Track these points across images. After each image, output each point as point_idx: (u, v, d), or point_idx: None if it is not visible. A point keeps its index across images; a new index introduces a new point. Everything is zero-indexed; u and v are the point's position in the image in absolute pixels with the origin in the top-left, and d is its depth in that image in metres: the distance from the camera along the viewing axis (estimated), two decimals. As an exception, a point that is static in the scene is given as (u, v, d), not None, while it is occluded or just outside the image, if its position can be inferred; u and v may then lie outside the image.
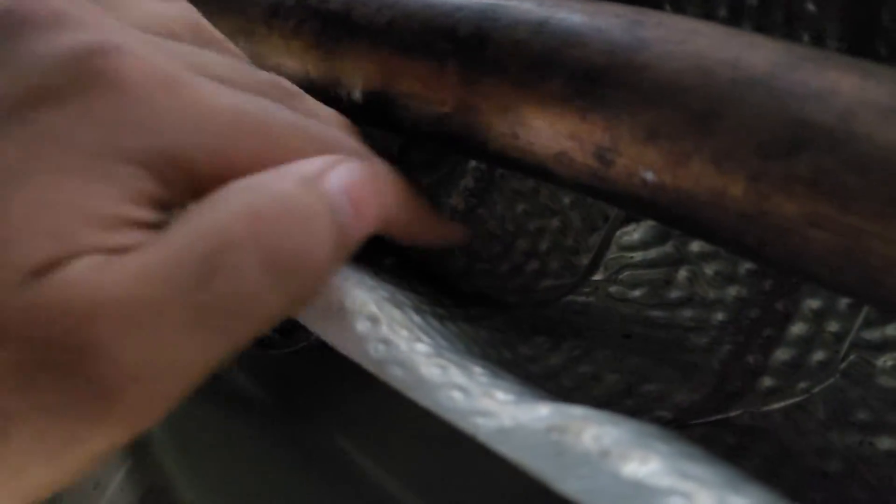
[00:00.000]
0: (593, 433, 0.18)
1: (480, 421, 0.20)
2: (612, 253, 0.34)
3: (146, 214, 0.20)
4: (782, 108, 0.21)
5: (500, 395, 0.21)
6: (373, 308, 0.24)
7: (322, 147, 0.24)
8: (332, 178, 0.22)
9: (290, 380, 0.39)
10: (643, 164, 0.23)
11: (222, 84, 0.23)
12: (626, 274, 0.34)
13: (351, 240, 0.23)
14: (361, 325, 0.23)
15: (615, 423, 0.19)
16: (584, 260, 0.34)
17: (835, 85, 0.21)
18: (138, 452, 0.37)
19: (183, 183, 0.21)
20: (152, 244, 0.19)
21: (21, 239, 0.18)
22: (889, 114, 0.20)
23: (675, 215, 0.23)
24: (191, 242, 0.19)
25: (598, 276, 0.34)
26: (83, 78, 0.20)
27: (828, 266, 0.21)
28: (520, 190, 0.37)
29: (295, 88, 0.28)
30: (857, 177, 0.20)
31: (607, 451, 0.18)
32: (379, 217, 0.24)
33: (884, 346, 0.28)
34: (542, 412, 0.20)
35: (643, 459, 0.18)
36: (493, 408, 0.20)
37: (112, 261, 0.18)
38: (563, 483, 0.18)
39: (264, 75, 0.27)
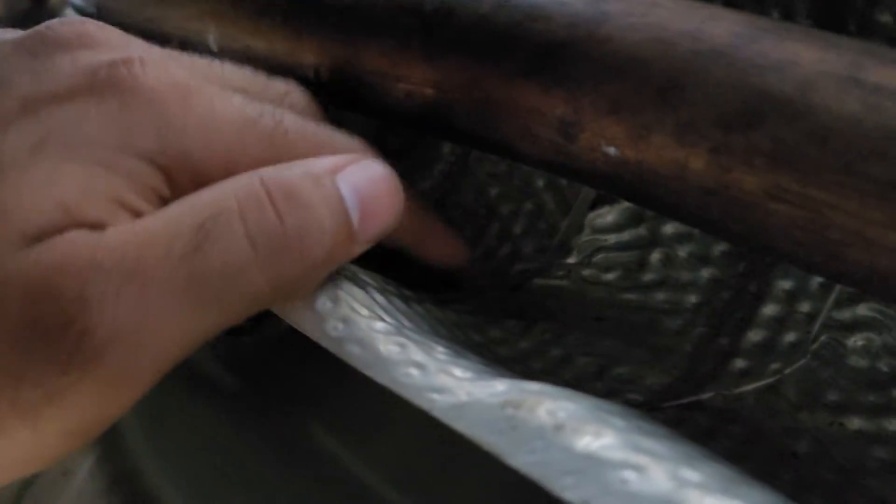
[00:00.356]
0: (548, 407, 0.18)
1: (436, 397, 0.19)
2: (585, 235, 0.34)
3: (148, 207, 0.21)
4: (743, 80, 0.21)
5: (458, 372, 0.20)
6: (334, 287, 0.23)
7: (332, 153, 0.23)
8: (343, 176, 0.22)
9: (263, 367, 0.38)
10: (605, 139, 0.22)
11: (236, 93, 0.24)
12: (599, 257, 0.33)
13: (355, 239, 0.22)
14: (321, 305, 0.23)
15: (571, 399, 0.19)
16: (557, 243, 0.34)
17: (795, 56, 0.20)
18: (108, 440, 0.36)
19: (189, 184, 0.21)
20: (151, 215, 0.20)
21: (26, 207, 0.19)
22: (848, 85, 0.20)
23: (638, 190, 0.23)
24: (187, 211, 0.20)
25: (571, 259, 0.34)
26: (100, 82, 0.21)
27: (790, 239, 0.21)
28: (493, 173, 0.37)
29: (308, 96, 0.28)
30: (817, 148, 0.19)
31: (561, 425, 0.18)
32: (388, 221, 0.24)
33: (854, 327, 0.28)
34: (498, 388, 0.19)
35: (597, 433, 0.17)
36: (449, 384, 0.20)
37: (110, 229, 0.19)
38: (516, 457, 0.17)
39: (279, 85, 0.28)
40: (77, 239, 0.19)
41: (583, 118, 0.23)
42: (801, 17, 0.29)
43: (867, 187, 0.19)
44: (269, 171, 0.21)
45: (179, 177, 0.21)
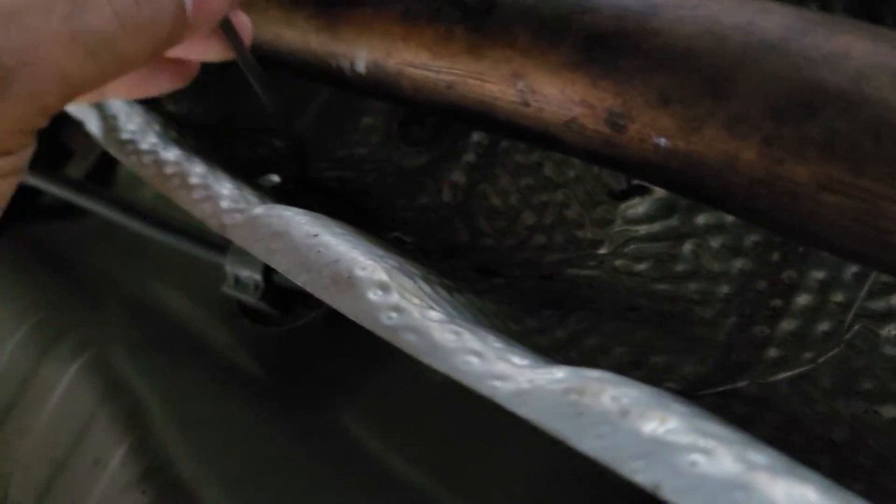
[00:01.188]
0: (612, 394, 0.18)
1: (498, 384, 0.20)
2: (617, 226, 0.34)
3: None
4: (795, 72, 0.21)
5: (516, 360, 0.21)
6: (383, 276, 0.24)
7: None
8: None
9: (291, 357, 0.38)
10: (656, 130, 0.23)
11: None
12: (631, 247, 0.34)
13: (190, 23, 0.28)
14: (372, 294, 0.23)
15: (632, 385, 0.19)
16: (589, 234, 0.34)
17: (847, 48, 0.21)
18: (139, 429, 0.36)
19: None
20: None
21: None
22: (903, 76, 0.20)
23: (686, 180, 0.23)
24: None
25: (603, 250, 0.34)
26: None
27: (839, 230, 0.21)
28: (523, 164, 0.37)
29: None
30: (871, 140, 0.20)
31: (627, 410, 0.18)
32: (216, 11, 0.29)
33: (888, 316, 0.28)
34: (558, 375, 0.20)
35: (662, 419, 0.18)
36: (509, 371, 0.20)
37: None
38: (583, 442, 0.18)
39: None
40: None
41: (632, 110, 0.23)
42: (838, 11, 0.30)
43: (921, 178, 0.19)
44: None
45: None
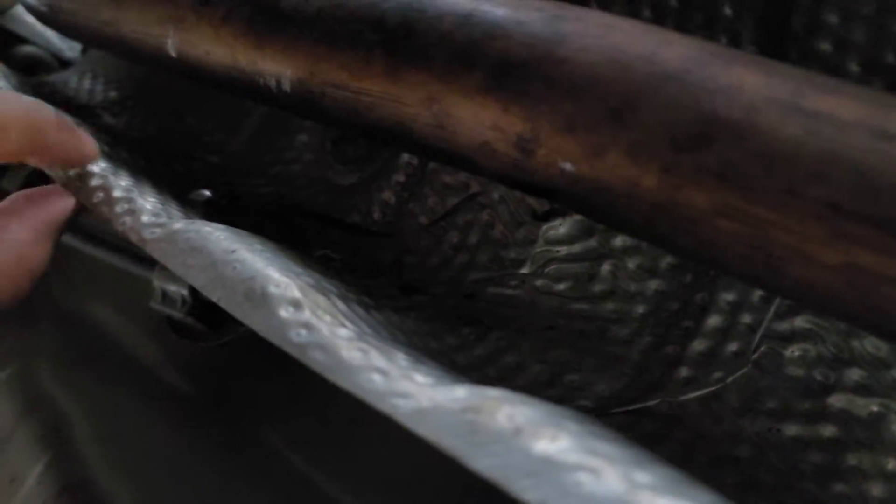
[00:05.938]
0: (507, 412, 0.19)
1: (400, 402, 0.20)
2: (538, 247, 0.35)
3: None
4: (693, 103, 0.22)
5: (420, 378, 0.21)
6: (296, 293, 0.24)
7: None
8: None
9: (218, 372, 0.38)
10: (562, 155, 0.23)
11: None
12: (552, 268, 0.34)
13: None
14: (284, 311, 0.23)
15: (529, 404, 0.20)
16: (512, 254, 0.35)
17: (741, 81, 0.22)
18: (59, 446, 0.36)
19: None
20: None
21: None
22: (790, 109, 0.21)
23: (591, 205, 0.24)
24: None
25: (525, 270, 0.35)
26: None
27: (735, 255, 0.22)
28: (450, 184, 0.37)
29: None
30: (762, 169, 0.21)
31: (520, 428, 0.18)
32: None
33: (792, 338, 0.29)
34: (458, 393, 0.20)
35: (553, 437, 0.18)
36: (411, 389, 0.20)
37: None
38: (476, 460, 0.18)
39: None
40: None
41: (540, 135, 0.24)
42: (747, 43, 0.31)
43: (807, 207, 0.20)
44: None
45: None
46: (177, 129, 0.50)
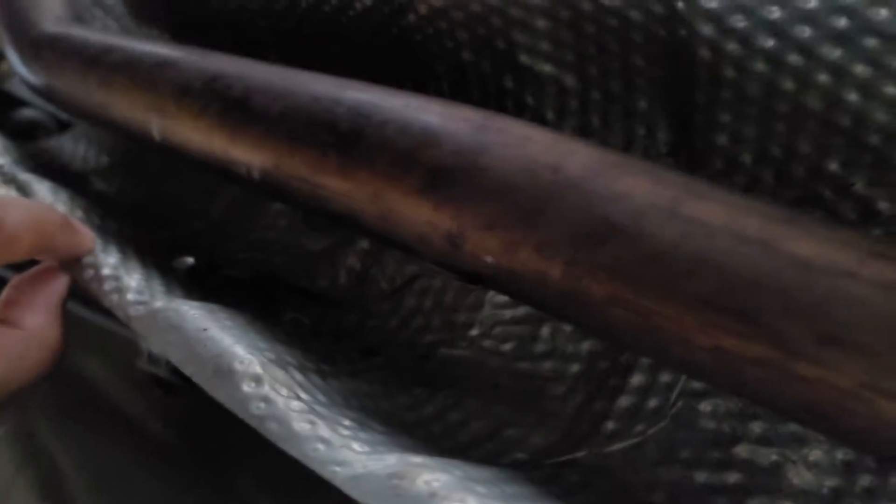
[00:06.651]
0: (425, 478, 0.23)
1: (338, 469, 0.24)
2: (486, 311, 0.39)
3: None
4: (590, 208, 0.26)
5: (357, 447, 0.25)
6: (258, 370, 0.28)
7: None
8: None
9: (200, 426, 0.42)
10: (484, 250, 0.27)
11: None
12: (498, 329, 0.38)
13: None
14: (246, 386, 0.27)
15: (447, 470, 0.24)
16: (462, 317, 0.39)
17: (631, 189, 0.26)
18: (54, 496, 0.39)
19: None
20: None
21: None
22: (669, 215, 0.25)
23: (511, 290, 0.28)
24: None
25: (474, 332, 0.38)
26: None
27: (629, 336, 0.26)
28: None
29: None
30: (645, 267, 0.25)
31: (434, 493, 0.22)
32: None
33: (705, 394, 0.33)
34: (389, 461, 0.24)
35: (461, 500, 0.22)
36: (349, 458, 0.24)
37: None
38: (398, 521, 0.22)
39: None
40: None
41: (466, 232, 0.27)
42: (662, 131, 0.35)
43: (683, 299, 0.24)
44: None
45: None
46: (163, 195, 0.54)
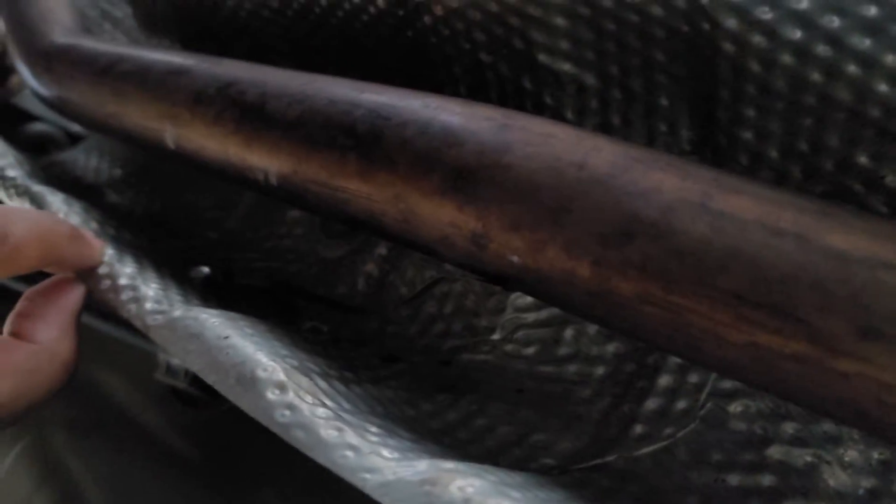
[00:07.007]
0: (458, 484, 0.22)
1: (368, 476, 0.23)
2: (508, 314, 0.38)
3: None
4: (617, 205, 0.25)
5: (386, 453, 0.24)
6: (281, 377, 0.27)
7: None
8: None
9: (220, 439, 0.41)
10: (510, 250, 0.27)
11: None
12: (520, 333, 0.37)
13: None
14: (271, 394, 0.27)
15: (480, 475, 0.23)
16: (484, 321, 0.38)
17: (659, 184, 0.25)
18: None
19: None
20: None
21: None
22: (700, 210, 0.24)
23: (537, 290, 0.27)
24: None
25: (496, 336, 0.38)
26: None
27: (660, 335, 0.25)
28: (427, 258, 0.41)
29: None
30: (676, 263, 0.24)
31: (469, 498, 0.22)
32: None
33: (735, 395, 0.32)
34: (419, 467, 0.23)
35: (496, 506, 0.21)
36: (379, 464, 0.24)
37: None
38: (432, 527, 0.21)
39: None
40: None
41: (490, 232, 0.27)
42: (684, 129, 0.34)
43: (715, 295, 0.23)
44: None
45: None
46: (177, 206, 0.53)
